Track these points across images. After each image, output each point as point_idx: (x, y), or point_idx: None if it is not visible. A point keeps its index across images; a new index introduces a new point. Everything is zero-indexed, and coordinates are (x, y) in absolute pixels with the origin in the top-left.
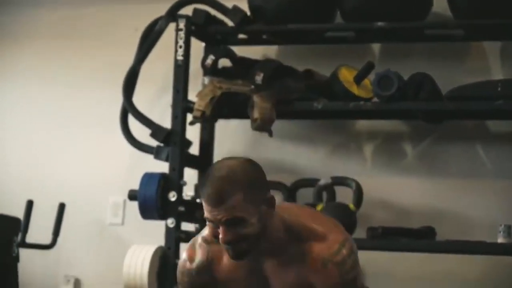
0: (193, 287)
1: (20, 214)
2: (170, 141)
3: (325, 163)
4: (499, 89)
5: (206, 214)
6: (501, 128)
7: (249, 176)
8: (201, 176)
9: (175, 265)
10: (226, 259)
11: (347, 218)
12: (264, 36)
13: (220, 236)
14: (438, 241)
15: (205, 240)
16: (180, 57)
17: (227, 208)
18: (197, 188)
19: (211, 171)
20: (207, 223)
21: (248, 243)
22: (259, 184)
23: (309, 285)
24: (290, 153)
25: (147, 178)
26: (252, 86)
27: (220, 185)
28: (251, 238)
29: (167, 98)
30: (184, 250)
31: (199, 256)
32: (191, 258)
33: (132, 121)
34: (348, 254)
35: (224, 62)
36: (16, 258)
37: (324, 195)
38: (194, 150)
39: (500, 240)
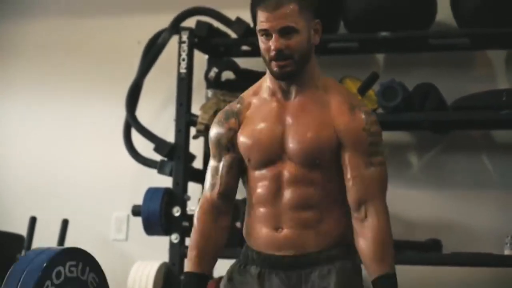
0: (221, 135)
1: (23, 231)
2: (173, 155)
3: None
4: (504, 98)
5: (261, 25)
6: (507, 138)
7: None
8: None
9: (180, 281)
10: (255, 104)
11: None
12: None
13: (272, 44)
14: (444, 254)
15: (239, 97)
16: (183, 70)
17: (283, 14)
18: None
19: None
20: (261, 38)
21: (293, 63)
22: (311, 5)
23: (331, 129)
24: None
25: (151, 193)
26: None
27: None
28: (296, 56)
29: (171, 112)
30: None
31: (228, 107)
32: (222, 111)
33: (135, 136)
34: (371, 111)
35: (228, 75)
36: None
37: None
38: (198, 164)
39: (506, 252)
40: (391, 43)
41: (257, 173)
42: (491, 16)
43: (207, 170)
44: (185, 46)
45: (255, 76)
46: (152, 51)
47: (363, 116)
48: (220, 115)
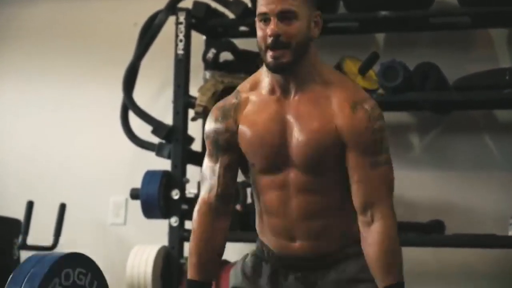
0: (218, 135)
1: (20, 215)
2: (172, 138)
3: None
4: (507, 77)
5: (261, 8)
6: (510, 118)
7: None
8: None
9: (179, 265)
10: (253, 101)
11: None
12: None
13: (269, 28)
14: (447, 235)
15: (236, 91)
16: (180, 51)
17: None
18: None
19: None
20: (259, 24)
21: (289, 53)
22: None
23: (333, 129)
24: None
25: (149, 176)
26: None
27: None
28: (293, 44)
29: (168, 94)
30: None
31: (225, 103)
32: (218, 107)
33: (132, 118)
34: (375, 105)
35: (226, 56)
36: (17, 261)
37: None
38: (197, 146)
39: (510, 232)
40: (391, 22)
41: (263, 178)
42: None
43: (203, 170)
44: (182, 27)
45: (254, 56)
46: (148, 33)
47: (365, 113)
48: (216, 112)
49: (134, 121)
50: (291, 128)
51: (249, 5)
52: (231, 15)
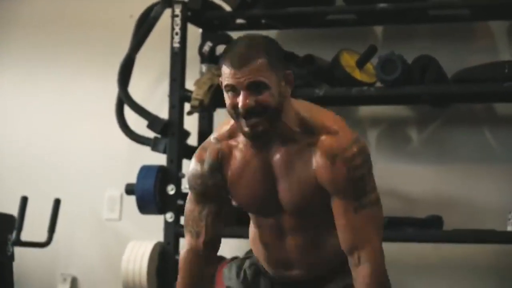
0: (206, 188)
1: (14, 211)
2: (167, 132)
3: None
4: (506, 70)
5: (228, 80)
6: (510, 111)
7: (272, 45)
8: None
9: (175, 261)
10: (236, 156)
11: None
12: (263, 21)
13: (240, 101)
14: (445, 231)
15: (215, 139)
16: (176, 44)
17: (251, 70)
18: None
19: (234, 42)
20: (226, 94)
21: (265, 121)
22: (280, 56)
23: (314, 179)
24: None
25: (145, 171)
26: None
27: (245, 49)
28: (269, 113)
29: (164, 88)
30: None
31: (209, 156)
32: (201, 160)
33: (128, 112)
34: (359, 151)
35: (222, 49)
36: (11, 257)
37: None
38: (193, 140)
39: (510, 228)
40: (390, 14)
41: (258, 218)
42: None
43: (186, 213)
44: (178, 20)
45: None
46: (144, 25)
47: (345, 164)
48: (201, 166)
49: (130, 115)
50: (276, 178)
51: None
52: (227, 8)
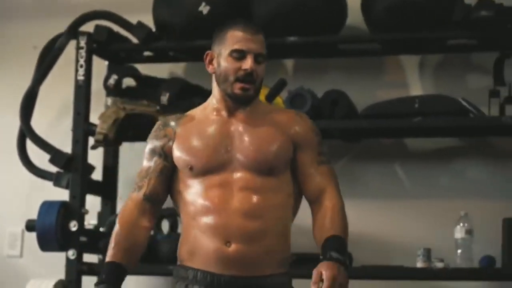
0: (155, 145)
1: None
2: (70, 167)
3: None
4: (416, 105)
5: (238, 45)
6: (420, 146)
7: None
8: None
9: None
10: (196, 118)
11: None
12: (171, 53)
13: (249, 64)
14: (354, 267)
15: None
16: (81, 77)
17: (261, 42)
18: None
19: (232, 21)
20: (229, 57)
21: (254, 88)
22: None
23: (285, 135)
24: None
25: (46, 206)
26: (158, 107)
27: (251, 24)
28: (257, 83)
29: (68, 121)
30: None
31: (169, 119)
32: (163, 122)
33: (30, 146)
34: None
35: (129, 82)
36: None
37: None
38: (97, 175)
39: (419, 264)
40: (300, 48)
41: (202, 180)
42: (403, 20)
43: (137, 174)
44: (83, 52)
45: (157, 82)
46: (48, 57)
47: (307, 118)
48: (159, 122)
49: (32, 149)
50: (236, 136)
51: (153, 29)
52: (134, 40)
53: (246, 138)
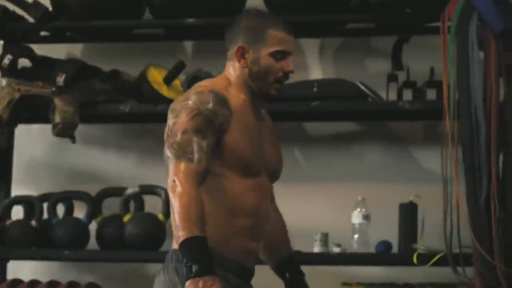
0: (215, 115)
1: None
2: None
3: (134, 170)
4: (315, 89)
5: (284, 46)
6: (318, 130)
7: None
8: None
9: None
10: (236, 105)
11: (156, 229)
12: (68, 34)
13: (290, 66)
14: None
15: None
16: None
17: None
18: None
19: (262, 13)
20: (270, 58)
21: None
22: None
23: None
24: (97, 160)
25: None
26: (53, 88)
27: (287, 22)
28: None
29: None
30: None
31: (219, 92)
32: (212, 91)
33: None
34: None
35: (24, 62)
36: None
37: (132, 204)
38: None
39: (316, 249)
40: (199, 30)
41: (246, 181)
42: (302, 3)
43: (181, 142)
44: None
45: (53, 63)
46: None
47: None
48: (210, 94)
49: None
50: (266, 142)
51: (50, 8)
52: (31, 19)
53: (269, 142)
